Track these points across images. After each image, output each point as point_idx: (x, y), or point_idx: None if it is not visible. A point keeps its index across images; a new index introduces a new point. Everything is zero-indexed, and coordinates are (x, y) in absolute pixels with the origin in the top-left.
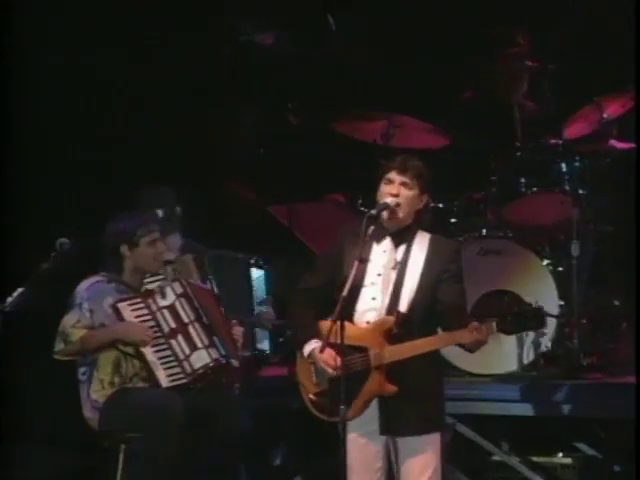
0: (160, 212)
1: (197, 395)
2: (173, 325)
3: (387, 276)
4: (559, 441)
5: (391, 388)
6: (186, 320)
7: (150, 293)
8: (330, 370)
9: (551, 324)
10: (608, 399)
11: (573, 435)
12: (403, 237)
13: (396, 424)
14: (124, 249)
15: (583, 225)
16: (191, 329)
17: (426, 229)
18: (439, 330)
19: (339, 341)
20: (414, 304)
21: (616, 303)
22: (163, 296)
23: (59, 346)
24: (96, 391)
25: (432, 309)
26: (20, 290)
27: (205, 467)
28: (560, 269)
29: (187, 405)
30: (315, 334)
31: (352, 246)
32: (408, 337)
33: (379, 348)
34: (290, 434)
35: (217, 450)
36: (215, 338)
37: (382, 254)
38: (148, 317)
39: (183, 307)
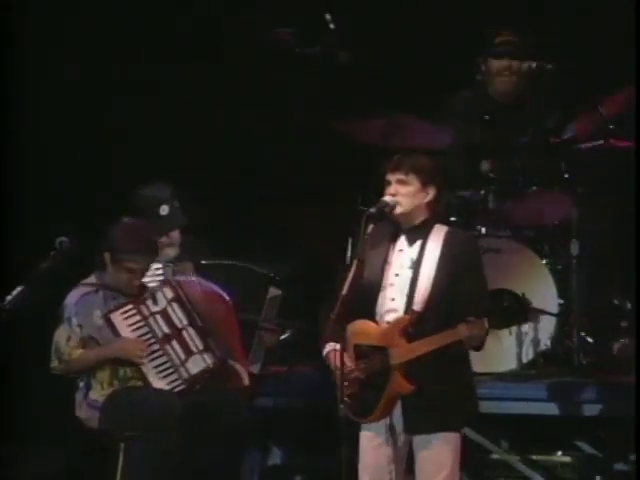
0: (166, 208)
1: (197, 394)
2: (167, 330)
3: (404, 276)
4: (559, 439)
5: (409, 387)
6: (179, 325)
7: (141, 298)
8: (336, 364)
9: (550, 323)
10: (608, 398)
11: (573, 434)
12: (418, 234)
13: (414, 422)
14: (107, 256)
15: (582, 224)
16: (185, 334)
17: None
18: None
19: (339, 340)
20: (429, 302)
21: (615, 302)
22: (154, 301)
23: (54, 363)
24: (95, 392)
25: (449, 305)
26: (19, 288)
27: (205, 466)
28: (559, 268)
29: (187, 404)
30: (335, 338)
31: (373, 250)
32: (425, 335)
33: (397, 347)
34: (290, 434)
35: (217, 449)
36: (210, 340)
37: (398, 254)
38: (141, 323)
39: (175, 312)
